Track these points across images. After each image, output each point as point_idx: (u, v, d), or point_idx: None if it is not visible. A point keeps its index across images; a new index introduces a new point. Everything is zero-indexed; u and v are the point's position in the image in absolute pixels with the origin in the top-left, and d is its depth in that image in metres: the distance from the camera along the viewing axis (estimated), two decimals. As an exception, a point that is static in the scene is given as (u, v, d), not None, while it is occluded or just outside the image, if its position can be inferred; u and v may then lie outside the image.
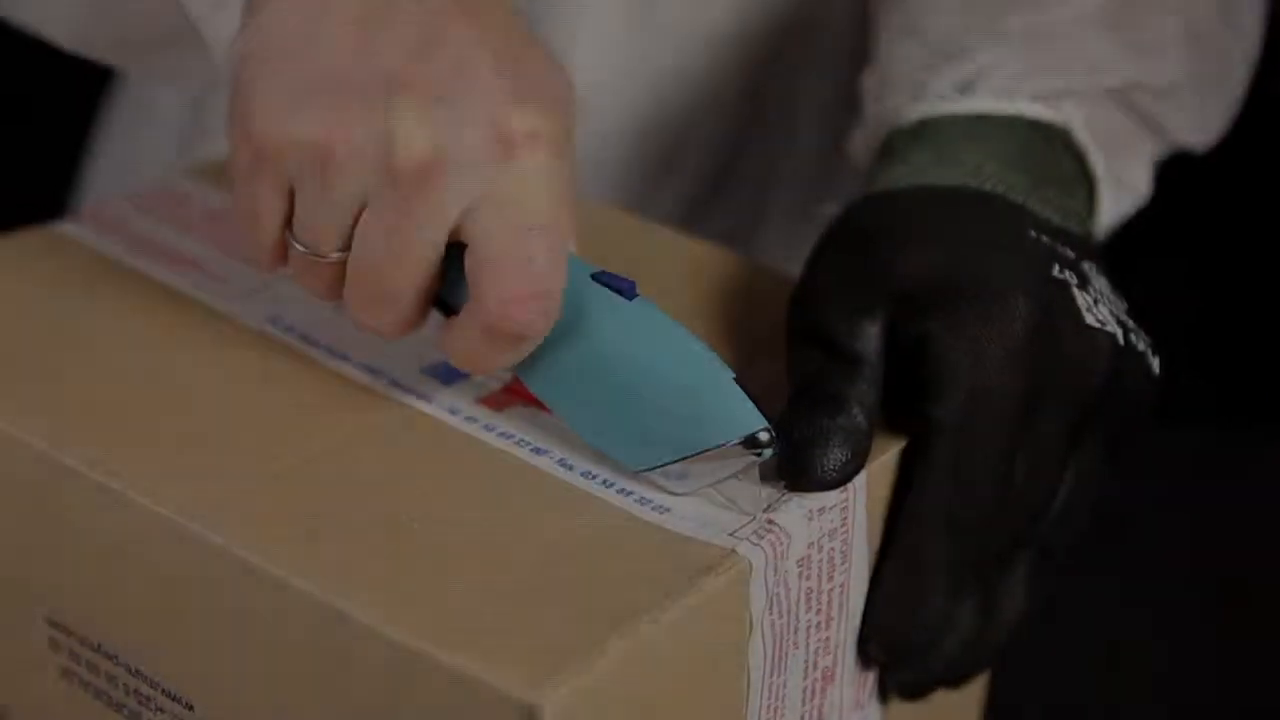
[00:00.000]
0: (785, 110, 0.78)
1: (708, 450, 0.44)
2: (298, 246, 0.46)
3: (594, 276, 0.46)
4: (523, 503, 0.45)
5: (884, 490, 0.48)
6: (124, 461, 0.46)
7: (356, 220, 0.45)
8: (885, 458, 0.48)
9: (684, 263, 0.57)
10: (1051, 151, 0.54)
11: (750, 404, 0.44)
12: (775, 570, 0.44)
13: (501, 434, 0.48)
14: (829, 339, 0.47)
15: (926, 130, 0.54)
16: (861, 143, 0.59)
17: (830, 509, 0.46)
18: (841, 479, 0.46)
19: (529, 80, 0.45)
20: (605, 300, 0.45)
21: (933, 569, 0.47)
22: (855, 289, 0.48)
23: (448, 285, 0.46)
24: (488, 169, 0.44)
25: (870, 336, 0.47)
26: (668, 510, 0.45)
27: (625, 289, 0.45)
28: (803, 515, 0.45)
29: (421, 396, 0.49)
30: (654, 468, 0.45)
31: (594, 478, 0.46)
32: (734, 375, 0.44)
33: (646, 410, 0.45)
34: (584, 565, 0.43)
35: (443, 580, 0.42)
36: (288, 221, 0.46)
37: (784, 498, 0.46)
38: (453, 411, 0.49)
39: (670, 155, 0.77)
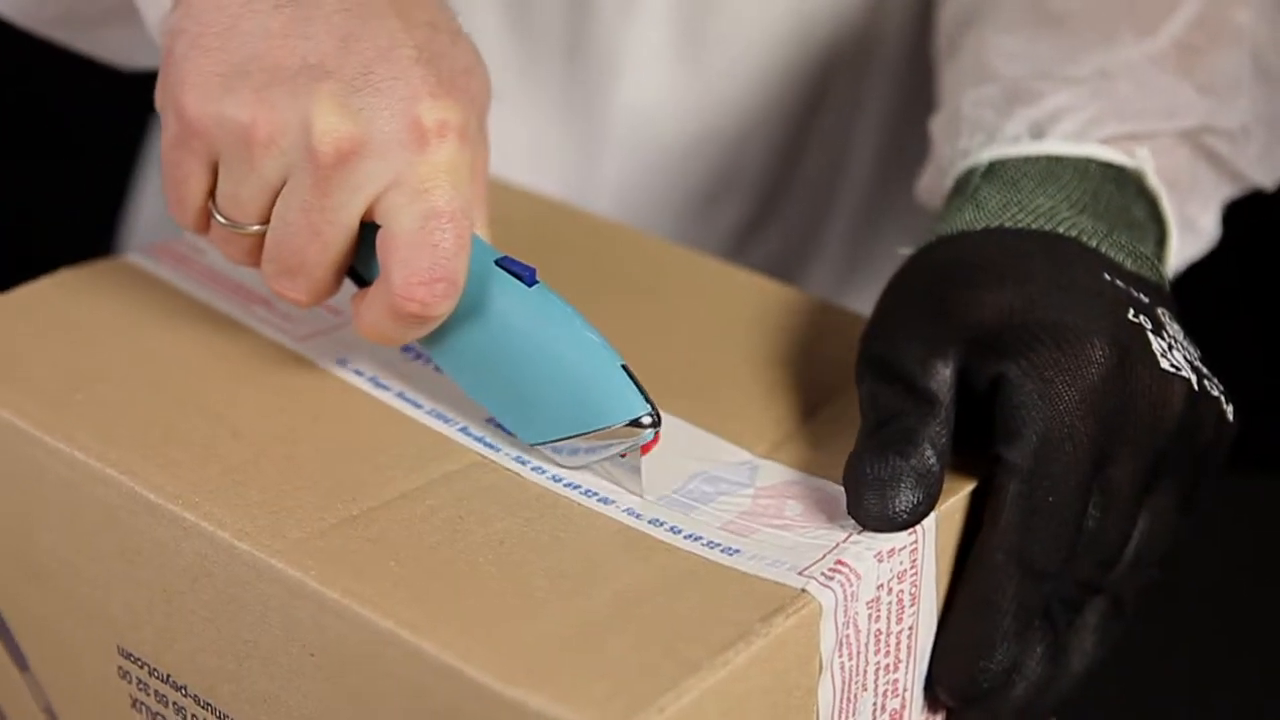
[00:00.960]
0: (836, 140, 0.78)
1: (596, 430, 0.47)
2: (219, 218, 0.49)
3: (497, 262, 0.48)
4: (594, 548, 0.45)
5: (953, 532, 0.48)
6: (198, 494, 0.46)
7: (276, 196, 0.47)
8: (955, 499, 0.47)
9: (740, 296, 0.57)
10: (1124, 195, 0.54)
11: (635, 389, 0.47)
12: (845, 611, 0.44)
13: (569, 484, 0.48)
14: (903, 377, 0.47)
15: (998, 172, 0.54)
16: (931, 183, 0.59)
17: (900, 550, 0.46)
18: (912, 520, 0.46)
19: (447, 74, 0.47)
20: (507, 285, 0.48)
21: (1001, 613, 0.47)
22: (929, 329, 0.48)
23: (363, 260, 0.49)
24: (400, 156, 0.46)
25: (944, 377, 0.47)
26: (737, 552, 0.45)
27: (525, 275, 0.48)
28: (872, 557, 0.45)
29: (490, 446, 0.49)
30: (546, 443, 0.48)
31: (661, 524, 0.46)
32: (622, 362, 0.47)
33: (541, 390, 0.48)
34: (657, 607, 0.43)
35: (519, 622, 0.42)
36: (211, 192, 0.49)
37: (853, 538, 0.46)
38: (521, 461, 0.49)
39: (719, 181, 0.77)
